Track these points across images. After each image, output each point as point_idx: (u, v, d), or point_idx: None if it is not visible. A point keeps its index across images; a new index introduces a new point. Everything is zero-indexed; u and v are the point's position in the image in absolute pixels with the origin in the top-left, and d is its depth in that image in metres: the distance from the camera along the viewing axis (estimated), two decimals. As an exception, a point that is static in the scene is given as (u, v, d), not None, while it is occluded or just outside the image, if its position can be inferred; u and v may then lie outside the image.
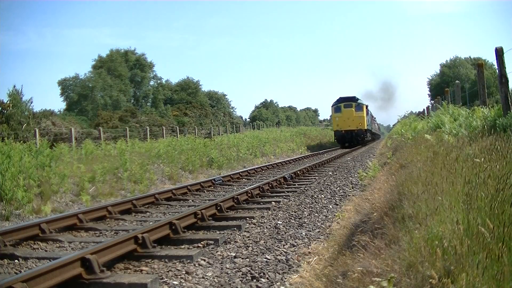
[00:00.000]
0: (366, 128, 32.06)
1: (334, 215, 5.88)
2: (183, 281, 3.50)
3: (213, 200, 6.94)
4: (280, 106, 76.06)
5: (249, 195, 7.43)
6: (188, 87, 54.63)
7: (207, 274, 3.64)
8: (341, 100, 31.74)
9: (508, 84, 6.76)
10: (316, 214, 6.14)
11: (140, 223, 5.89)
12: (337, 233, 4.69)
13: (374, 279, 2.19)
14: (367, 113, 34.42)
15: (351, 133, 30.89)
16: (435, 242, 2.02)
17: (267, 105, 73.82)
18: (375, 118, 52.22)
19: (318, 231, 5.12)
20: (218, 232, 5.13)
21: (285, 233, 5.03)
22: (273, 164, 14.92)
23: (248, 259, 4.02)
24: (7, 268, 3.99)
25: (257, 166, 14.18)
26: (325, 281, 3.14)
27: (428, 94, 70.58)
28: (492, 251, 1.76)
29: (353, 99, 31.81)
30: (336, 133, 31.67)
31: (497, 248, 1.77)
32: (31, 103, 20.03)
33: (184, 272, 3.68)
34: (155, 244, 4.34)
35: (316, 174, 11.73)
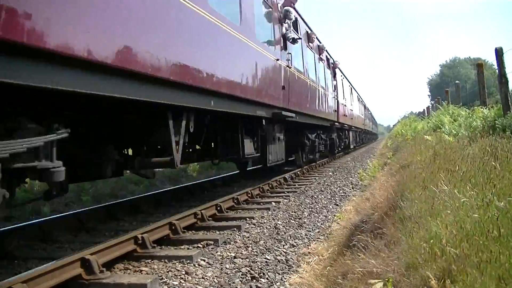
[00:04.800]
0: None
1: (334, 215, 5.88)
2: (183, 281, 3.50)
3: (213, 200, 6.94)
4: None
5: (249, 195, 7.43)
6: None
7: (206, 274, 3.64)
8: None
9: (508, 84, 6.78)
10: (316, 215, 6.14)
11: (140, 223, 5.89)
12: (337, 233, 4.69)
13: (373, 280, 2.20)
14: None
15: None
16: (435, 242, 2.02)
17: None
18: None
19: (318, 232, 5.12)
20: (218, 232, 5.13)
21: (285, 233, 5.03)
22: (273, 164, 14.90)
23: (247, 259, 4.02)
24: (6, 268, 3.99)
25: (257, 166, 14.16)
26: (325, 281, 3.15)
27: (428, 95, 70.67)
28: (491, 252, 1.76)
29: None
30: None
31: (496, 248, 1.77)
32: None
33: (183, 272, 3.68)
34: (155, 245, 4.34)
35: (316, 175, 11.73)
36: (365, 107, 34.20)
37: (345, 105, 18.45)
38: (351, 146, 22.52)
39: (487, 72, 14.43)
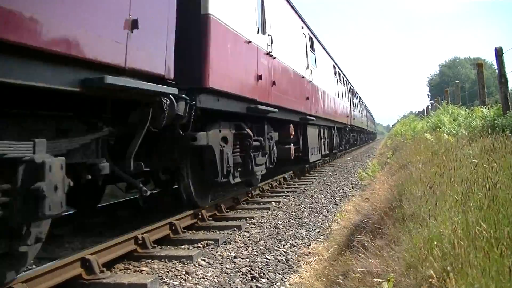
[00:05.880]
0: None
1: (334, 215, 5.89)
2: (183, 281, 3.50)
3: (213, 200, 6.94)
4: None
5: (249, 195, 7.43)
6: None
7: (207, 274, 3.64)
8: None
9: (507, 84, 6.79)
10: (316, 214, 6.15)
11: (140, 223, 5.88)
12: (337, 233, 4.70)
13: (374, 279, 2.20)
14: None
15: None
16: (435, 242, 2.03)
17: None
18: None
19: (318, 231, 5.13)
20: (218, 232, 5.13)
21: (285, 233, 5.03)
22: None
23: (248, 259, 4.02)
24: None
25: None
26: (325, 281, 3.15)
27: (428, 94, 70.73)
28: (491, 251, 1.76)
29: None
30: None
31: (495, 247, 1.77)
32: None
33: (184, 272, 3.68)
34: (155, 245, 4.34)
35: (316, 174, 11.74)
36: (353, 92, 22.97)
37: (280, 61, 7.72)
38: (312, 160, 10.75)
39: (487, 72, 14.43)
